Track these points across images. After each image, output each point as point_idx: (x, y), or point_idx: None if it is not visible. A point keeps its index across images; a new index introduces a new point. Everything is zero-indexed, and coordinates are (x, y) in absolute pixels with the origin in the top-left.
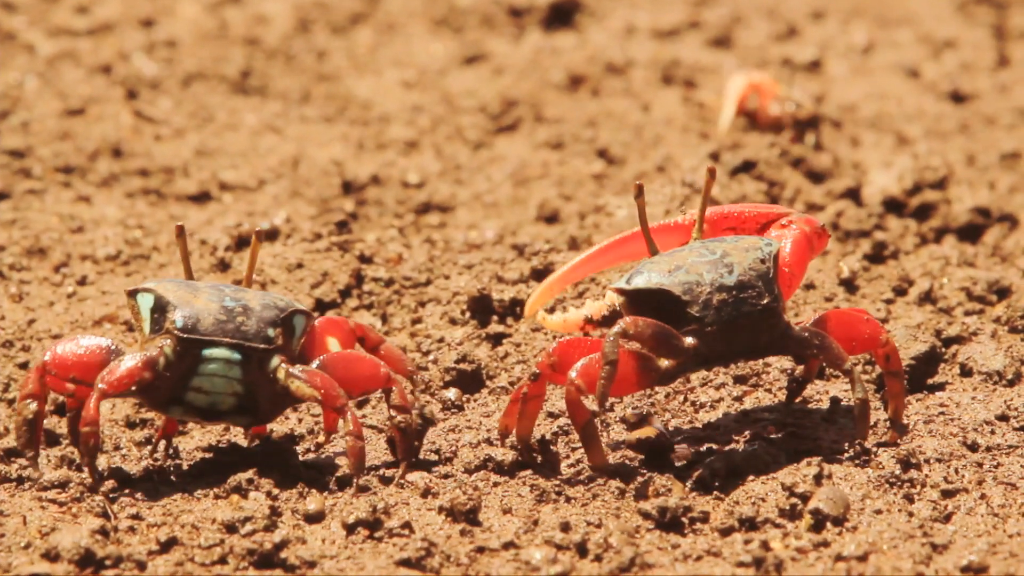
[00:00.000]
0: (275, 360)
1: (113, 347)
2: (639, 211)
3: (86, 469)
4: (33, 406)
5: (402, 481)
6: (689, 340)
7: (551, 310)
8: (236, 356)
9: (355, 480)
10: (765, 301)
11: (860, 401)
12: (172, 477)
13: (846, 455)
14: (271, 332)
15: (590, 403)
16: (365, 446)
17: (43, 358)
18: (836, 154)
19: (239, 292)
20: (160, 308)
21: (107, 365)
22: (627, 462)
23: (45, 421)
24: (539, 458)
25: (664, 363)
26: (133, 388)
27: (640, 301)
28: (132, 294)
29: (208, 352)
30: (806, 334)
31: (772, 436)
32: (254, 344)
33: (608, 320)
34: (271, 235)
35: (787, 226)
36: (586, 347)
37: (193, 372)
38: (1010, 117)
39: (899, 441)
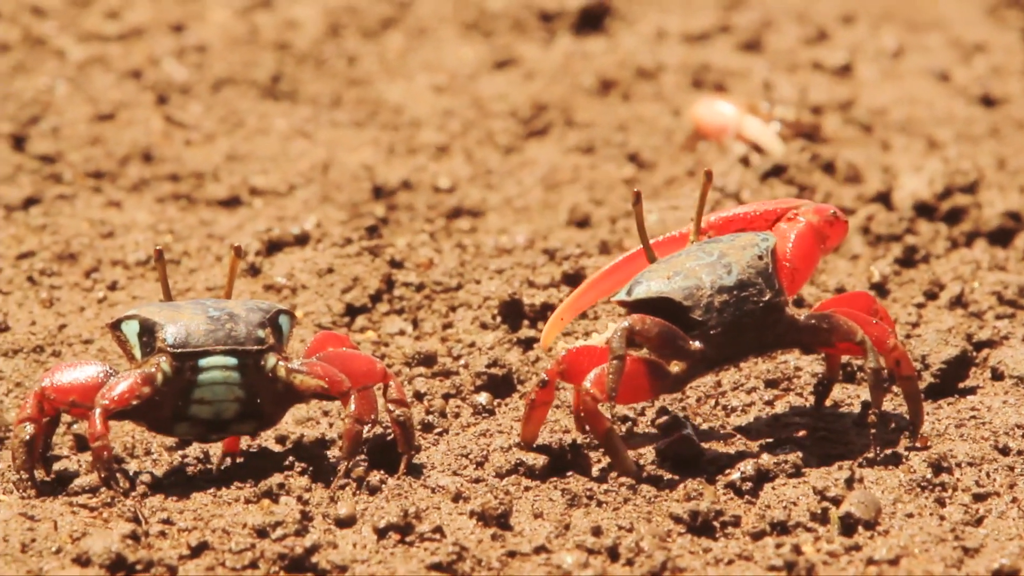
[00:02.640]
0: (272, 359)
1: (111, 371)
2: (637, 218)
3: (111, 483)
4: (30, 429)
5: (401, 477)
6: (695, 344)
7: (567, 335)
8: (232, 361)
9: (345, 463)
10: (767, 298)
11: (873, 371)
12: (203, 482)
13: (877, 459)
14: (261, 333)
15: (605, 410)
16: (363, 433)
17: (41, 384)
18: (867, 158)
19: (220, 302)
20: (147, 331)
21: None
22: (658, 466)
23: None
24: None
25: (674, 368)
26: (134, 403)
27: (643, 311)
28: (115, 325)
29: (204, 362)
30: (813, 321)
31: (803, 440)
32: (247, 347)
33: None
34: (301, 240)
35: (794, 219)
36: (595, 354)
37: (193, 385)
38: None
39: (930, 444)
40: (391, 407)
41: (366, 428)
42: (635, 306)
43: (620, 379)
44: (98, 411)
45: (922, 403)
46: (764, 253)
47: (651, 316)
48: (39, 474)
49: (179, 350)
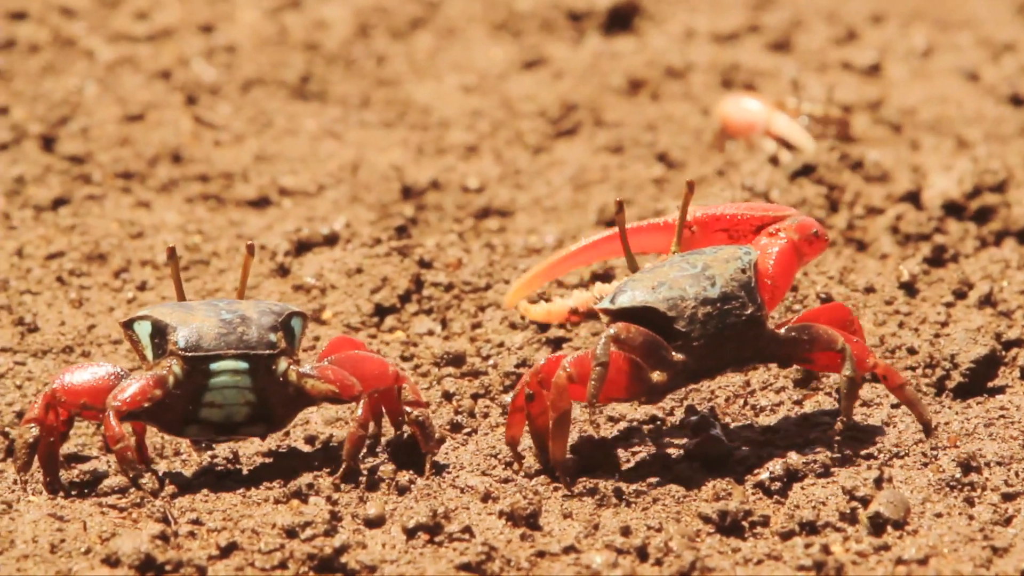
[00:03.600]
0: (283, 363)
1: (122, 373)
2: (619, 228)
3: (139, 482)
4: (35, 431)
5: (429, 476)
6: (677, 355)
7: (533, 302)
8: (243, 365)
9: (344, 465)
10: (749, 311)
11: (848, 379)
12: (232, 482)
13: (906, 458)
14: (273, 337)
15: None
16: (365, 438)
17: (52, 386)
18: (896, 157)
19: (233, 304)
20: (159, 332)
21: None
22: (687, 466)
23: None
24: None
25: (655, 376)
26: (146, 405)
27: (626, 320)
28: (128, 324)
29: (215, 366)
30: (792, 333)
31: (832, 439)
32: (259, 351)
33: (594, 313)
34: (330, 240)
35: (775, 234)
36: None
37: (204, 388)
38: None
39: (959, 444)
40: (408, 409)
41: (418, 412)
42: (618, 315)
43: (602, 386)
44: (111, 413)
45: (922, 403)
46: (747, 267)
47: (635, 325)
48: (65, 475)
49: (191, 354)
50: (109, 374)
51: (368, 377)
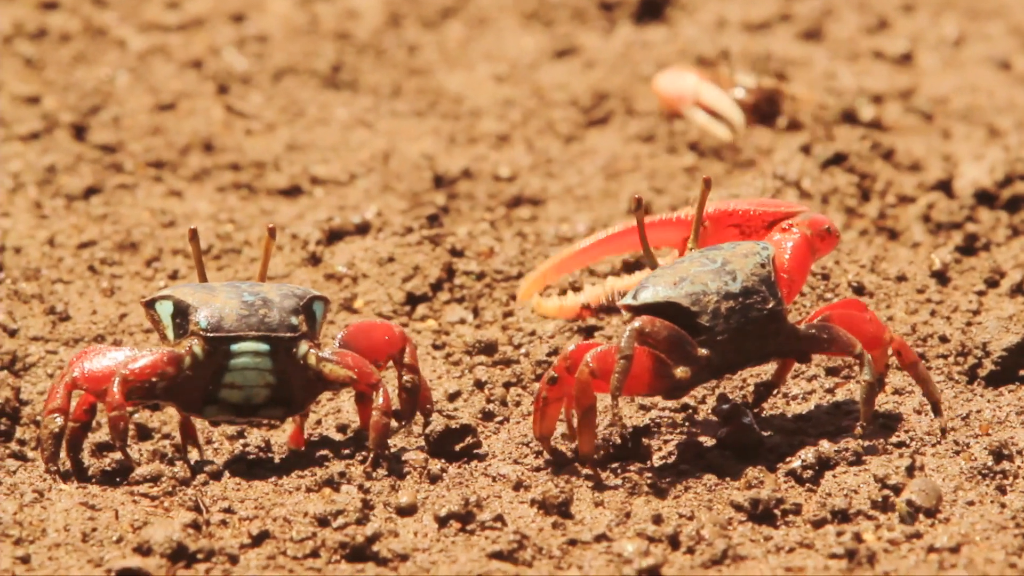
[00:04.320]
0: (304, 347)
1: (140, 354)
2: (638, 225)
3: (126, 455)
4: (59, 420)
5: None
6: (702, 350)
7: (545, 296)
8: (264, 347)
9: (372, 454)
10: (770, 305)
11: (867, 383)
12: (264, 470)
13: (938, 446)
14: (294, 320)
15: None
16: (389, 425)
17: (72, 373)
18: (927, 146)
19: (256, 286)
20: (181, 312)
21: None
22: (719, 454)
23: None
24: (557, 456)
25: (679, 372)
26: (154, 379)
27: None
28: (150, 304)
29: (236, 347)
30: (813, 331)
31: (864, 428)
32: (280, 333)
33: (605, 309)
34: (362, 229)
35: (788, 230)
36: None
37: (224, 369)
38: None
39: (991, 431)
40: (403, 373)
41: (409, 377)
42: (641, 311)
43: (626, 379)
44: (117, 380)
45: (934, 382)
46: (766, 261)
47: (660, 319)
48: (96, 463)
49: (212, 334)
50: (127, 356)
51: (381, 344)
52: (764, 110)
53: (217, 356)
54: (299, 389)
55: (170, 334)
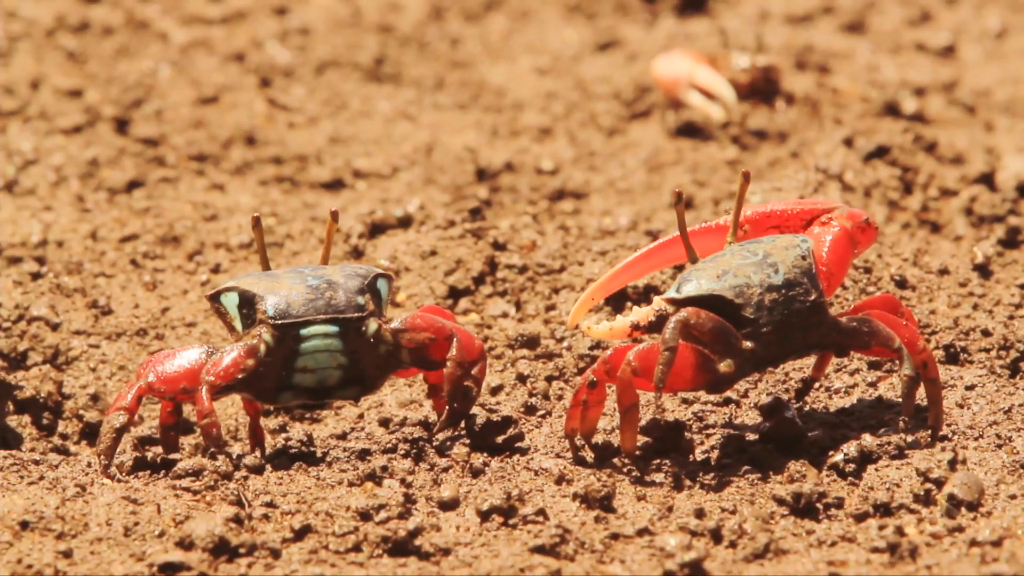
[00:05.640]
0: (373, 324)
1: (212, 349)
2: (678, 218)
3: (220, 458)
4: (123, 418)
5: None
6: (747, 342)
7: (595, 320)
8: (333, 329)
9: (448, 409)
10: (812, 297)
11: (908, 378)
12: (306, 464)
13: (980, 440)
14: (361, 299)
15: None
16: (464, 379)
17: (146, 379)
18: (970, 139)
19: (319, 270)
20: (247, 303)
21: None
22: (761, 448)
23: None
24: (595, 456)
25: (723, 366)
26: (239, 376)
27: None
28: (215, 297)
29: (305, 332)
30: (854, 324)
31: (906, 422)
32: (348, 314)
33: (655, 326)
34: (404, 222)
35: (828, 223)
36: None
37: (295, 354)
38: None
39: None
40: (449, 364)
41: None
42: (684, 303)
43: (669, 371)
44: (204, 388)
45: (943, 408)
46: (807, 253)
47: (705, 311)
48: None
49: (280, 321)
50: (201, 353)
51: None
52: (762, 88)
53: (287, 342)
54: (371, 368)
55: (238, 325)
